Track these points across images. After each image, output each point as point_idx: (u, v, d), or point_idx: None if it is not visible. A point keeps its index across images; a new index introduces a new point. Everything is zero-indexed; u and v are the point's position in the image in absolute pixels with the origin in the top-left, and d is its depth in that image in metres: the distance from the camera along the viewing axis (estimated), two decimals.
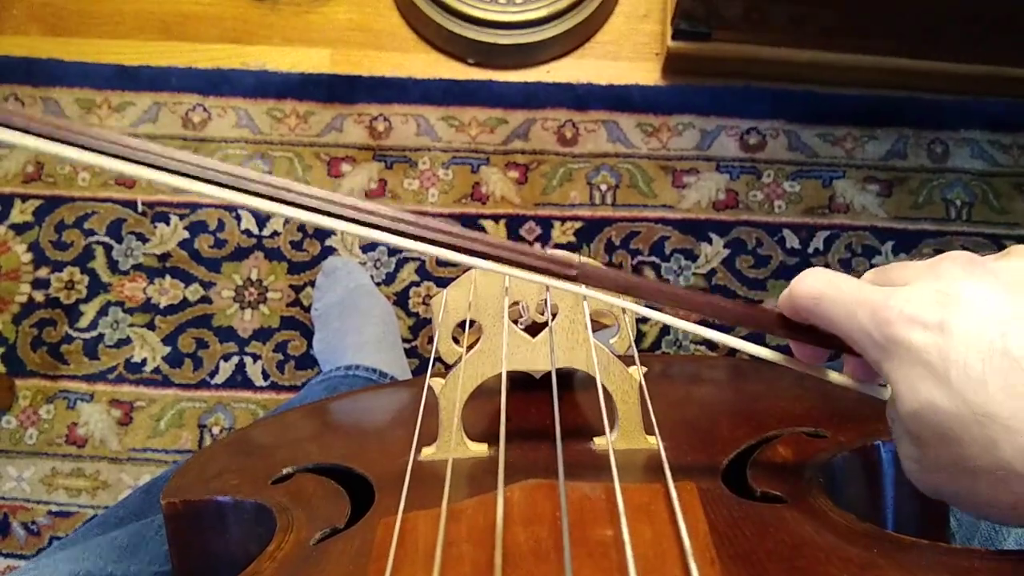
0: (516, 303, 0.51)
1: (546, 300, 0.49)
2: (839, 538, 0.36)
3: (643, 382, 0.46)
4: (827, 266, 1.12)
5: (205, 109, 1.21)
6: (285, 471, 0.50)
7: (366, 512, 0.43)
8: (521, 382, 0.55)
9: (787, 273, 1.14)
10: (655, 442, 0.46)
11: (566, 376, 0.58)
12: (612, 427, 0.46)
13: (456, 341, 0.55)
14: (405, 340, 1.11)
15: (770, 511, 0.39)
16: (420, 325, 1.13)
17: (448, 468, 0.38)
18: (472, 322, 0.51)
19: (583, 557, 0.27)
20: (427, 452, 0.48)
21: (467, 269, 0.47)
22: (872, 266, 1.12)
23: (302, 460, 0.51)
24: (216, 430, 1.09)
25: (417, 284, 1.14)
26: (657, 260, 1.14)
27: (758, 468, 0.44)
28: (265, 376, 1.11)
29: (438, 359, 0.53)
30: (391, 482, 0.46)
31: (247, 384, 1.11)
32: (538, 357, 0.48)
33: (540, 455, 0.46)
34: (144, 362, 1.12)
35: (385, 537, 0.31)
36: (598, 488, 0.31)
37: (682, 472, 0.36)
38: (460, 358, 0.48)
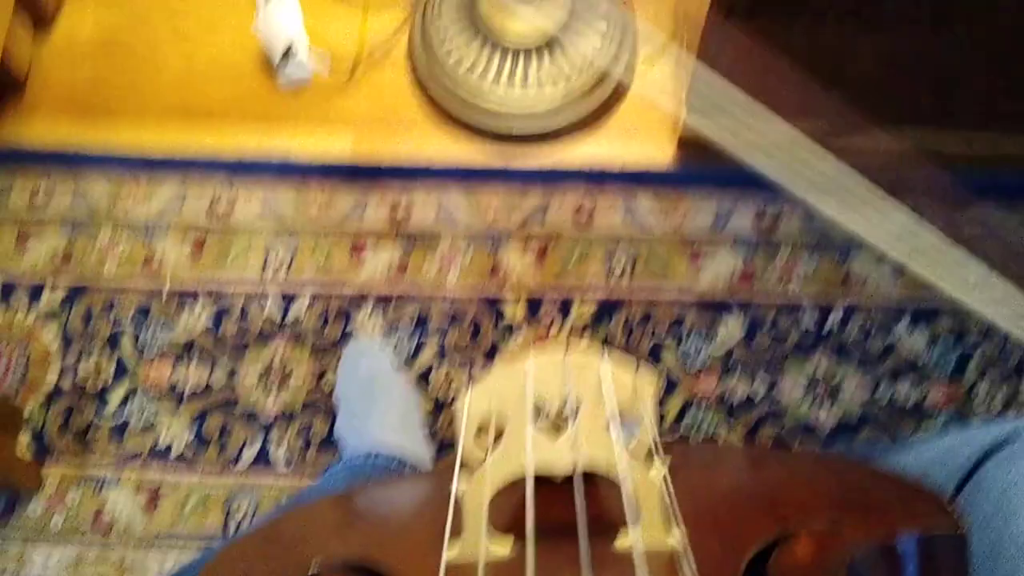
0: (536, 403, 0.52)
1: (568, 402, 0.50)
2: None
3: (669, 481, 0.46)
4: (843, 343, 1.13)
5: (231, 197, 1.24)
6: (313, 571, 0.51)
7: None
8: (541, 478, 0.56)
9: (803, 351, 1.14)
10: (678, 540, 0.47)
11: (587, 473, 0.59)
12: (635, 521, 0.47)
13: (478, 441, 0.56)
14: (426, 421, 1.12)
15: None
16: (440, 406, 1.13)
17: (480, 569, 0.39)
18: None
19: None
20: (451, 555, 0.48)
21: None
22: (889, 343, 1.13)
23: (329, 555, 0.52)
24: (239, 515, 1.10)
25: (437, 366, 1.15)
26: (675, 340, 1.15)
27: (782, 569, 0.45)
28: (287, 462, 1.12)
29: (462, 464, 0.53)
30: None
31: (270, 469, 1.12)
32: (560, 459, 0.49)
33: (562, 557, 0.47)
34: (169, 447, 1.13)
35: None
36: None
37: (703, 570, 0.36)
38: (483, 461, 0.49)
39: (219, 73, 1.32)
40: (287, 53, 1.24)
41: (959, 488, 0.61)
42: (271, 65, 1.30)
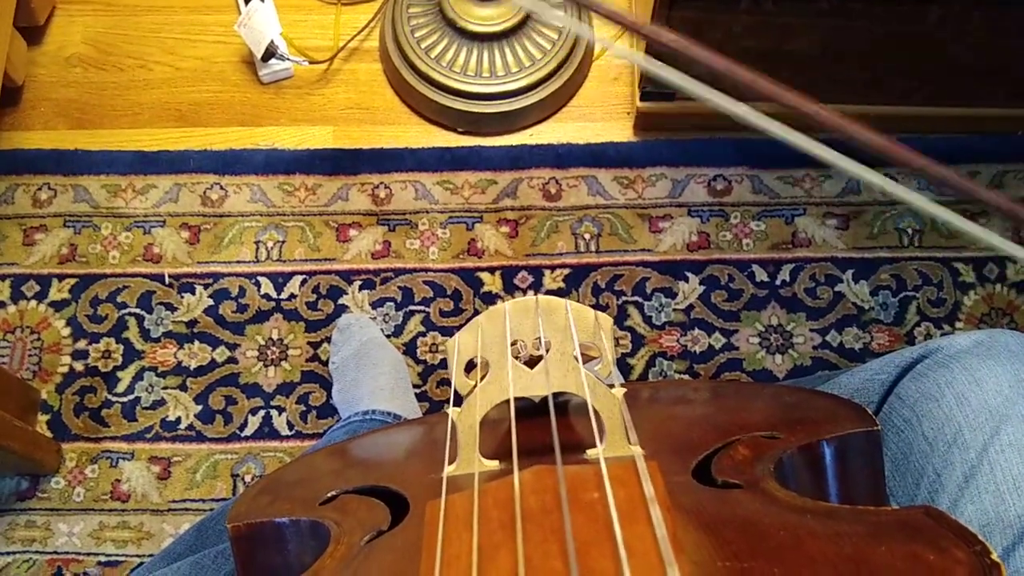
0: (516, 342, 0.62)
1: (540, 338, 0.60)
2: (780, 508, 0.47)
3: (623, 400, 0.56)
4: (793, 296, 1.24)
5: (222, 187, 1.33)
6: (330, 494, 0.60)
7: (403, 519, 0.54)
8: (524, 412, 0.65)
9: (758, 304, 1.25)
10: (637, 449, 0.57)
11: (562, 404, 0.69)
12: (601, 438, 0.57)
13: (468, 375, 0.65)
14: (415, 385, 1.22)
15: (727, 493, 0.49)
16: (428, 371, 1.23)
17: (476, 476, 0.49)
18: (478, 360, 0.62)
19: (577, 511, 0.37)
20: (449, 469, 0.58)
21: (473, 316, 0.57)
22: (836, 294, 1.23)
23: (343, 484, 0.61)
24: (248, 478, 1.19)
25: (423, 334, 1.25)
26: (640, 299, 1.26)
27: (721, 464, 0.54)
28: (290, 426, 1.22)
29: (456, 392, 0.63)
30: (423, 494, 0.56)
31: (274, 435, 1.21)
32: (536, 384, 0.58)
33: (541, 463, 0.56)
34: (178, 420, 1.22)
35: (433, 514, 0.41)
36: (586, 467, 0.42)
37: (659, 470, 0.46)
38: (473, 389, 0.58)
39: (205, 74, 1.41)
40: (269, 49, 1.32)
41: (882, 402, 0.71)
42: (254, 63, 1.39)
